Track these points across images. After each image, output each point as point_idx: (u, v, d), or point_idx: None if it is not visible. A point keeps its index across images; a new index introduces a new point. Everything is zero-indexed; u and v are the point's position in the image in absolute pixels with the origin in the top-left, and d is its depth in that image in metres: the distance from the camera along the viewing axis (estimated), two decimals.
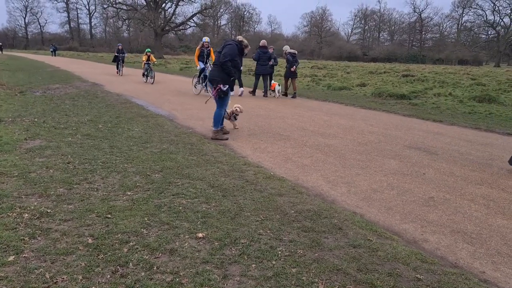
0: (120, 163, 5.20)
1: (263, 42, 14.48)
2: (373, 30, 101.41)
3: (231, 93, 7.45)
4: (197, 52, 14.25)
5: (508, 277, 2.97)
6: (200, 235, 3.27)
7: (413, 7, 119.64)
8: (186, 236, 3.25)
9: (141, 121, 8.28)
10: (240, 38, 7.10)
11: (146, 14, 60.09)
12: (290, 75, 14.52)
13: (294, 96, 14.46)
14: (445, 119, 10.24)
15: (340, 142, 7.20)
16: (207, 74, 12.44)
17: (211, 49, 14.16)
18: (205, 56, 14.01)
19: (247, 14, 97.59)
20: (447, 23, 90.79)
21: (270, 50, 14.45)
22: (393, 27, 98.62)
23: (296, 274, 2.77)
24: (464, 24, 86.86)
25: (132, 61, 38.13)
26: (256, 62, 14.36)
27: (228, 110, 7.79)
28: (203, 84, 13.97)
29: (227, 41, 7.11)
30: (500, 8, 78.02)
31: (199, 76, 14.37)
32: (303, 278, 2.73)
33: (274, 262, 2.91)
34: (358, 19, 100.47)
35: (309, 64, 44.54)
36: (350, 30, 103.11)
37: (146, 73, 18.88)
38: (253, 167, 5.36)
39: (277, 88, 14.29)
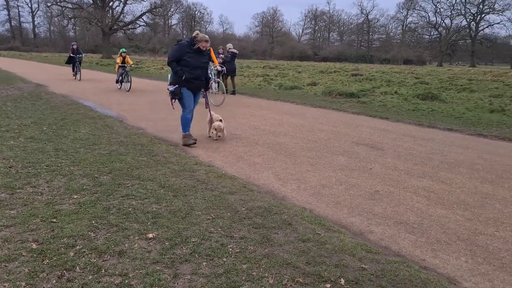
0: (66, 166, 5.04)
1: None
2: (323, 30, 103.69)
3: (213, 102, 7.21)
4: None
5: (446, 263, 3.15)
6: (150, 235, 3.24)
7: (360, 8, 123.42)
8: (136, 237, 3.21)
9: (89, 123, 8.04)
10: (195, 33, 6.68)
11: (93, 13, 58.13)
12: (229, 73, 15.10)
13: (233, 93, 15.12)
14: (391, 116, 10.66)
15: (291, 140, 7.33)
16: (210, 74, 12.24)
17: (211, 49, 13.88)
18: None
19: (198, 13, 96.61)
20: (393, 24, 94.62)
21: (220, 51, 15.45)
22: (342, 28, 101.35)
23: (246, 270, 2.81)
24: (409, 25, 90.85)
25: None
26: None
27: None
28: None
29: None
30: (441, 10, 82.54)
31: None
32: (254, 273, 2.78)
33: (225, 259, 2.94)
34: (309, 19, 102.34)
35: (261, 64, 44.85)
36: (301, 31, 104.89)
37: (121, 78, 15.87)
38: (205, 167, 5.36)
39: (214, 85, 14.49)
